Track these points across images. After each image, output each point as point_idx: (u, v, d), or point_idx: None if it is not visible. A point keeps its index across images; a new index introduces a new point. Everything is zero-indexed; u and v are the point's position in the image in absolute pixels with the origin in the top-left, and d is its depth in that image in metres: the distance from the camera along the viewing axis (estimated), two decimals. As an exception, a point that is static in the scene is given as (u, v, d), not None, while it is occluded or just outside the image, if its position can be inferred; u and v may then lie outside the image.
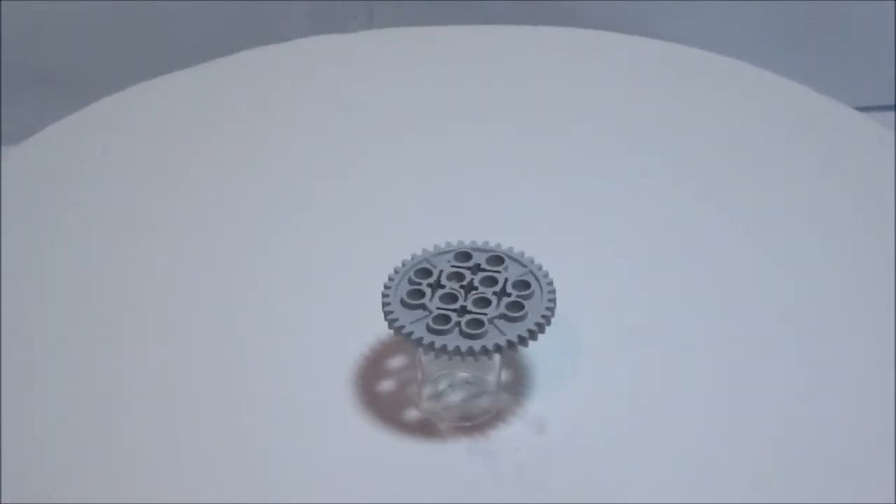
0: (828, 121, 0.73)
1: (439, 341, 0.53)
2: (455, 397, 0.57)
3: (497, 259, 0.56)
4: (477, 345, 0.53)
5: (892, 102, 1.19)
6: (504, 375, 0.57)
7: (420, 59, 0.78)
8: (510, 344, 0.53)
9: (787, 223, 0.66)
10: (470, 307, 0.54)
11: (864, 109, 1.18)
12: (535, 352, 0.57)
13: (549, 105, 0.74)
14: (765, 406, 0.57)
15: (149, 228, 0.66)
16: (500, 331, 0.53)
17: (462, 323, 0.53)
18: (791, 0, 1.16)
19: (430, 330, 0.53)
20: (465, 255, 0.56)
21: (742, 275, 0.63)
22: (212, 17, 1.15)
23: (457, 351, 0.53)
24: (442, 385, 0.57)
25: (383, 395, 0.57)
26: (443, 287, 0.55)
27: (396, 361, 0.58)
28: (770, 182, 0.69)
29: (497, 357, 0.55)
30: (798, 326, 0.60)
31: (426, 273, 0.55)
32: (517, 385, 0.57)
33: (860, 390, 0.57)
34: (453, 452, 0.55)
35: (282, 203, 0.67)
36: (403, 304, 0.54)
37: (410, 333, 0.53)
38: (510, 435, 0.56)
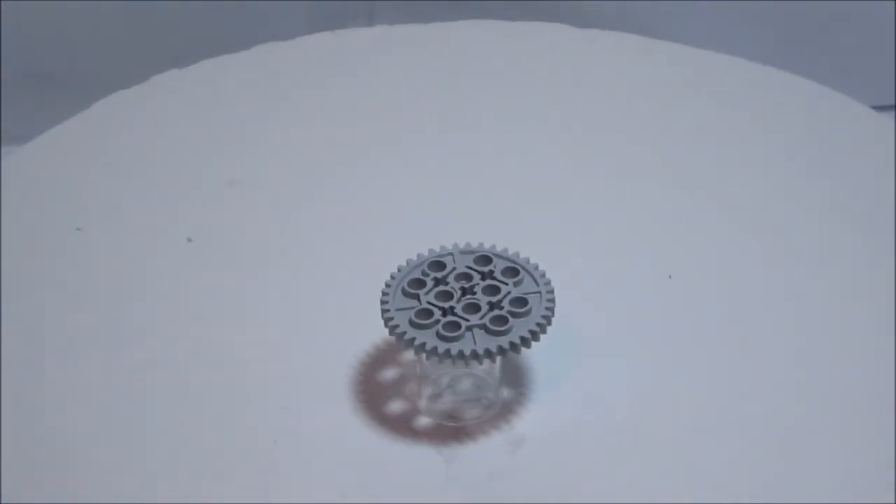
0: (834, 117, 0.73)
1: (412, 335, 0.53)
2: (454, 396, 0.57)
3: (513, 271, 0.55)
4: (444, 347, 0.52)
5: (893, 102, 1.19)
6: (504, 375, 0.57)
7: (423, 57, 0.78)
8: (474, 354, 0.52)
9: (789, 221, 0.66)
10: (458, 310, 0.54)
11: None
12: (535, 353, 0.57)
13: (555, 104, 0.74)
14: (765, 405, 0.57)
15: (147, 228, 0.66)
16: (474, 339, 0.53)
17: (441, 323, 0.53)
18: (791, 0, 1.16)
19: (410, 323, 0.53)
20: (485, 259, 0.56)
21: (743, 273, 0.63)
22: (212, 17, 1.15)
23: (423, 348, 0.53)
24: (442, 384, 0.57)
25: (385, 395, 0.57)
26: (446, 284, 0.55)
27: (400, 359, 0.58)
28: (772, 179, 0.69)
29: (498, 358, 0.55)
30: (799, 327, 0.60)
31: (439, 266, 0.55)
32: (516, 385, 0.57)
33: (860, 390, 0.57)
34: (448, 452, 0.55)
35: (286, 202, 0.68)
36: (404, 292, 0.54)
37: (391, 319, 0.53)
38: (506, 435, 0.56)
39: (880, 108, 1.20)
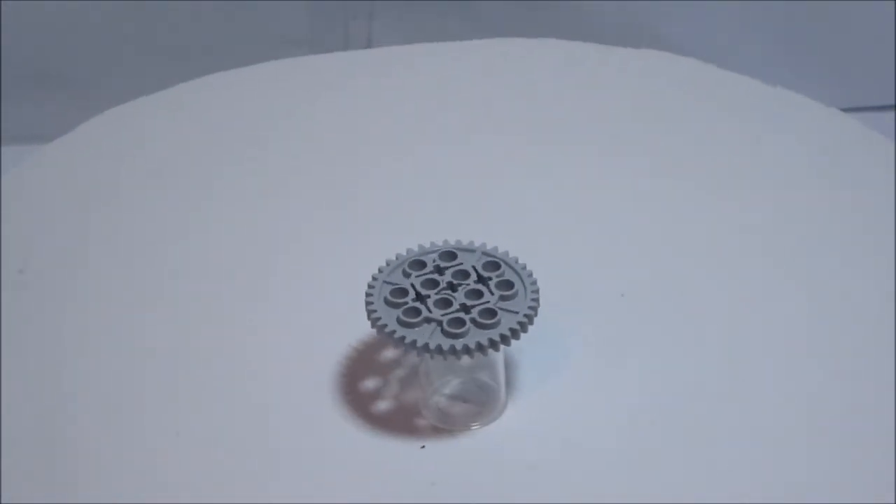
0: (821, 127, 0.73)
1: (424, 341, 0.53)
2: (460, 400, 0.57)
3: (493, 265, 0.55)
4: (461, 344, 0.52)
5: (893, 102, 1.19)
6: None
7: (414, 73, 0.78)
8: (491, 342, 0.52)
9: (788, 223, 0.66)
10: (469, 303, 0.54)
11: (864, 109, 1.18)
12: (531, 353, 0.57)
13: (545, 114, 0.74)
14: (763, 406, 0.57)
15: (139, 227, 0.66)
16: (481, 330, 0.53)
17: (445, 321, 0.53)
18: (791, 0, 1.16)
19: (445, 334, 0.53)
20: (450, 255, 0.56)
21: (741, 273, 0.63)
22: (212, 17, 1.15)
23: (439, 350, 0.52)
24: (446, 388, 0.57)
25: (371, 394, 0.57)
26: (427, 285, 0.55)
27: (383, 358, 0.58)
28: (770, 183, 0.69)
29: (501, 358, 0.55)
30: (798, 326, 0.60)
31: (403, 293, 0.55)
32: (510, 387, 0.57)
33: (860, 391, 0.57)
34: (445, 451, 0.55)
35: (277, 205, 0.68)
36: (387, 301, 0.54)
37: (393, 332, 0.53)
38: (505, 435, 0.56)
39: (880, 109, 1.20)
